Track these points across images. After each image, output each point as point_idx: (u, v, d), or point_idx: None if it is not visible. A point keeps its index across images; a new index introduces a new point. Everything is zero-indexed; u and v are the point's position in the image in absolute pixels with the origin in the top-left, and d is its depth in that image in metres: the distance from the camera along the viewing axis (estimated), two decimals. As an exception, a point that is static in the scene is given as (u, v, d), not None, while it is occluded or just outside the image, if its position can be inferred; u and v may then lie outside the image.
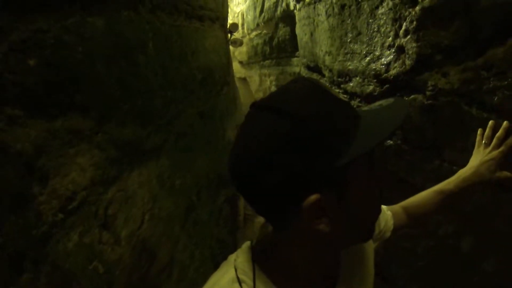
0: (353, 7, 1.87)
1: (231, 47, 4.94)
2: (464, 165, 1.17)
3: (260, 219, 3.96)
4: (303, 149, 0.51)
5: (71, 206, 1.00)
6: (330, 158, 0.52)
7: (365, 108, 0.65)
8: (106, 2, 1.24)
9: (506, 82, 1.07)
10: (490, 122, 1.09)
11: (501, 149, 1.02)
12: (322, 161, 0.52)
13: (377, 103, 0.65)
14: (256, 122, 0.57)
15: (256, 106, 0.58)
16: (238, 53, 7.79)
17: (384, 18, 1.59)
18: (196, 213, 1.98)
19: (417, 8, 1.35)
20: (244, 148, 0.56)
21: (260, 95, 7.39)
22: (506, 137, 1.04)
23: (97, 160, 1.10)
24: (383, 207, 0.98)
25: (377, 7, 1.65)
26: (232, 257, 0.68)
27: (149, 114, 1.47)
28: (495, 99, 1.11)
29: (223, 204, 2.76)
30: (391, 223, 0.98)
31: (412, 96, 1.47)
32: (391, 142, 1.59)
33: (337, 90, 2.24)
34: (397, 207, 1.07)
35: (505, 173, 1.02)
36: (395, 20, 1.50)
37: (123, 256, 1.22)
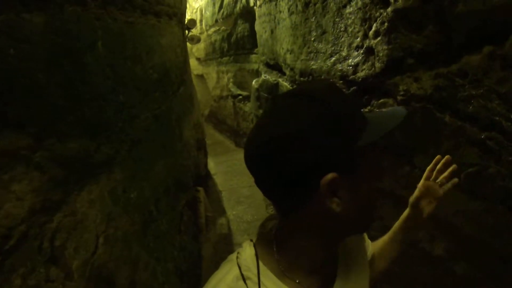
0: (318, 4, 1.82)
1: (188, 44, 4.80)
2: None
3: (223, 221, 3.88)
4: (331, 130, 0.57)
5: (8, 245, 0.83)
6: (351, 140, 0.58)
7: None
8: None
9: (482, 91, 1.05)
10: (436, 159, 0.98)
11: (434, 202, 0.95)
12: (345, 142, 0.58)
13: (376, 111, 0.67)
14: (285, 106, 0.61)
15: (282, 95, 0.64)
16: (196, 50, 7.66)
17: (352, 17, 1.55)
18: (156, 225, 1.83)
19: (389, 9, 1.30)
20: (269, 130, 0.60)
21: (217, 92, 7.33)
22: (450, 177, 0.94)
23: (37, 185, 0.94)
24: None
25: (344, 6, 1.59)
26: (233, 256, 0.69)
27: (99, 123, 1.31)
28: (470, 107, 1.09)
29: (183, 209, 2.63)
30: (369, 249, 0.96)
31: (382, 100, 1.43)
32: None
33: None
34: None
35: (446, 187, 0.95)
36: (364, 21, 1.46)
37: (76, 291, 1.07)
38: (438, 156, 0.98)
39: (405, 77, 1.30)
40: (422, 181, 0.96)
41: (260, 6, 2.95)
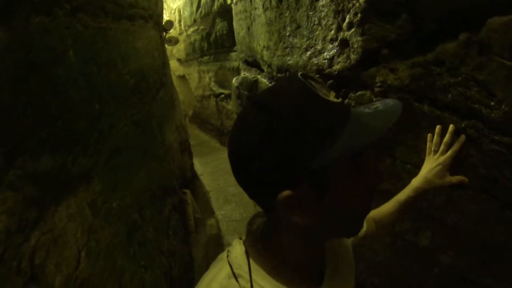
0: (291, -1, 1.80)
1: (167, 46, 4.75)
2: (417, 162, 1.22)
3: (212, 221, 3.86)
4: (282, 146, 0.54)
5: (-18, 269, 0.81)
6: (308, 157, 0.54)
7: (362, 109, 0.65)
8: (10, 7, 1.02)
9: (459, 79, 1.03)
10: (437, 129, 1.10)
11: (448, 154, 1.07)
12: (299, 159, 0.54)
13: (375, 104, 0.66)
14: (245, 116, 0.61)
15: (250, 100, 0.63)
16: (176, 51, 7.59)
17: (325, 10, 1.53)
18: (141, 233, 1.81)
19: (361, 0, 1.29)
20: (235, 139, 0.61)
21: (199, 92, 7.29)
22: (454, 141, 1.06)
23: (11, 205, 0.90)
24: None
25: (317, -1, 1.58)
26: (223, 255, 0.69)
27: (74, 135, 1.28)
28: (449, 96, 1.08)
29: (170, 213, 2.61)
30: (364, 229, 1.01)
31: (360, 93, 1.42)
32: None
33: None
34: (368, 217, 1.09)
35: (455, 178, 1.07)
36: (337, 13, 1.44)
37: (59, 309, 1.05)
38: (438, 126, 1.09)
39: (381, 68, 1.28)
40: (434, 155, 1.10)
41: (236, 3, 2.93)
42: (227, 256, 0.68)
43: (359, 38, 1.32)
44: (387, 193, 1.18)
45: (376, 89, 1.32)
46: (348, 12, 1.37)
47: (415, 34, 1.14)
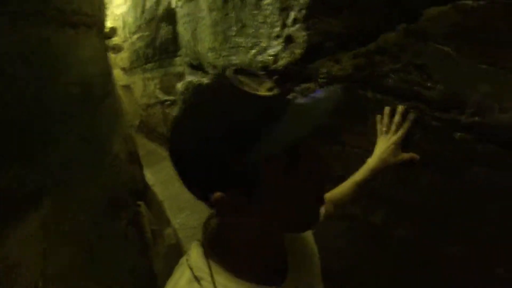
0: (237, -1, 1.80)
1: (112, 54, 4.56)
2: (365, 146, 1.31)
3: (169, 231, 3.76)
4: (207, 148, 0.53)
5: None
6: (235, 158, 0.53)
7: (300, 99, 0.63)
8: None
9: (400, 65, 1.13)
10: (386, 110, 1.17)
11: (399, 133, 1.14)
12: (225, 160, 0.53)
13: (315, 94, 0.65)
14: (176, 119, 0.61)
15: (182, 103, 0.55)
16: (120, 59, 7.31)
17: (270, 8, 1.56)
18: (98, 253, 1.71)
19: (307, -4, 1.32)
20: (170, 143, 0.60)
21: (145, 101, 7.08)
22: (403, 120, 1.14)
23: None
24: None
25: (262, -3, 1.59)
26: (183, 259, 0.68)
27: (18, 156, 1.18)
28: (390, 81, 1.17)
29: (127, 227, 2.50)
30: (322, 211, 1.00)
31: (305, 85, 1.47)
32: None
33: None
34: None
35: (406, 155, 1.15)
36: (282, 10, 1.47)
37: None
38: (387, 107, 1.17)
39: (325, 60, 1.34)
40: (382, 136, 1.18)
41: (181, 6, 2.90)
42: (187, 260, 0.67)
43: (303, 33, 1.36)
44: (341, 179, 1.22)
45: (321, 81, 1.38)
46: (292, 9, 1.40)
47: (359, 26, 1.20)
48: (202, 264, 0.64)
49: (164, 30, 4.40)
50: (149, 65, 6.09)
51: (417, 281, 1.34)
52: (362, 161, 1.22)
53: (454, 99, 1.02)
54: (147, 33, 5.43)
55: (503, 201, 0.99)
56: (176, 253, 3.40)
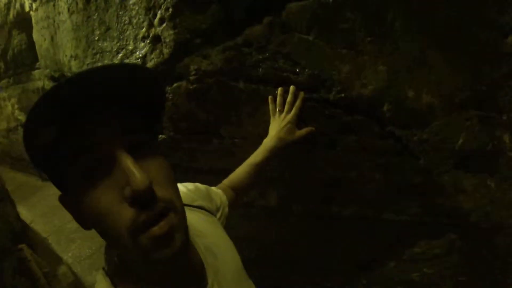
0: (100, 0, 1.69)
1: None
2: (243, 135, 1.38)
3: (63, 269, 3.36)
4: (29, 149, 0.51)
5: None
6: (41, 157, 0.53)
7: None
8: None
9: (267, 54, 1.20)
10: (279, 90, 1.21)
11: (293, 111, 1.18)
12: (36, 160, 0.53)
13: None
14: None
15: None
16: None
17: (136, 8, 1.51)
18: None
19: (173, -6, 1.30)
20: None
21: (4, 126, 6.20)
22: (295, 100, 1.19)
23: None
24: (212, 188, 1.02)
25: (128, -3, 1.51)
26: None
27: None
28: (260, 70, 1.24)
29: (14, 278, 2.24)
30: (224, 198, 1.02)
31: (176, 84, 1.45)
32: (164, 136, 1.58)
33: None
34: (223, 185, 1.13)
35: (303, 130, 1.20)
36: (148, 9, 1.43)
37: None
38: (280, 88, 1.21)
39: (194, 56, 1.34)
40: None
41: (36, 9, 2.58)
42: None
43: (171, 32, 1.35)
44: (227, 171, 1.22)
45: (192, 78, 1.38)
46: (160, 8, 1.37)
47: (226, 21, 1.24)
48: None
49: (17, 39, 3.91)
50: (3, 82, 5.37)
51: (325, 248, 1.48)
52: (242, 151, 1.28)
53: (321, 80, 1.15)
54: (-3, 43, 4.77)
55: (374, 158, 1.19)
56: (79, 289, 3.07)
